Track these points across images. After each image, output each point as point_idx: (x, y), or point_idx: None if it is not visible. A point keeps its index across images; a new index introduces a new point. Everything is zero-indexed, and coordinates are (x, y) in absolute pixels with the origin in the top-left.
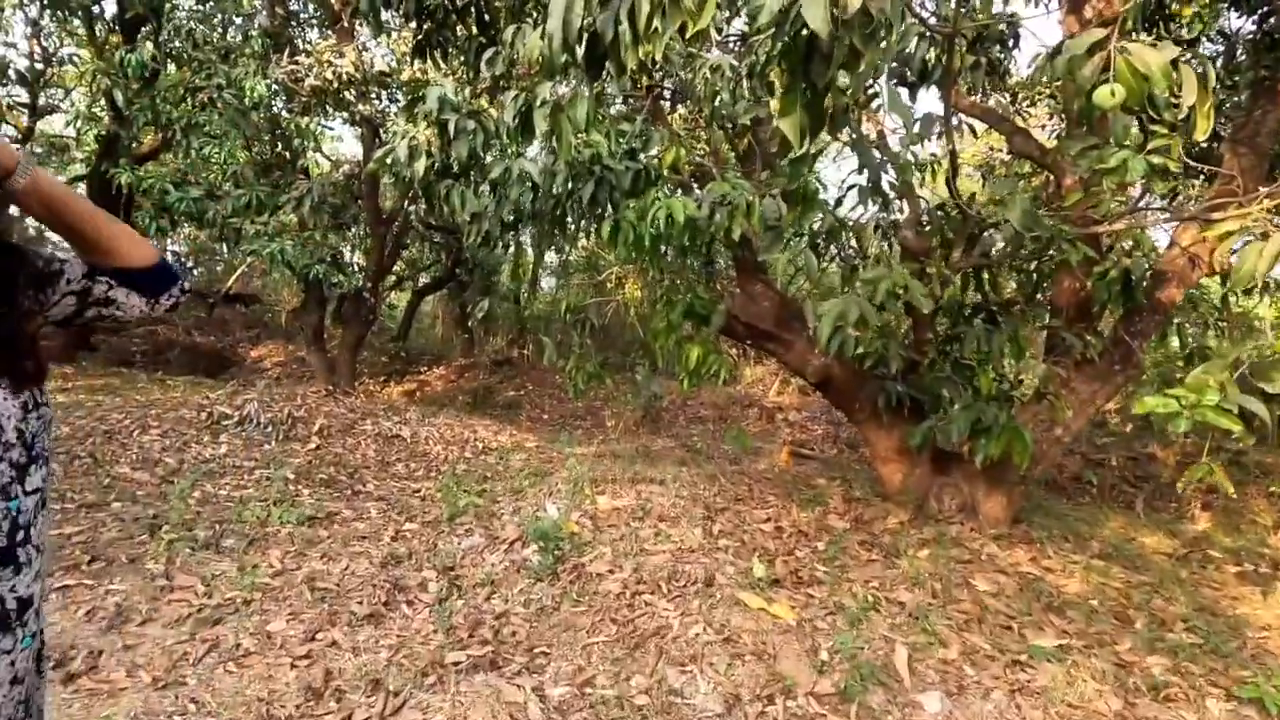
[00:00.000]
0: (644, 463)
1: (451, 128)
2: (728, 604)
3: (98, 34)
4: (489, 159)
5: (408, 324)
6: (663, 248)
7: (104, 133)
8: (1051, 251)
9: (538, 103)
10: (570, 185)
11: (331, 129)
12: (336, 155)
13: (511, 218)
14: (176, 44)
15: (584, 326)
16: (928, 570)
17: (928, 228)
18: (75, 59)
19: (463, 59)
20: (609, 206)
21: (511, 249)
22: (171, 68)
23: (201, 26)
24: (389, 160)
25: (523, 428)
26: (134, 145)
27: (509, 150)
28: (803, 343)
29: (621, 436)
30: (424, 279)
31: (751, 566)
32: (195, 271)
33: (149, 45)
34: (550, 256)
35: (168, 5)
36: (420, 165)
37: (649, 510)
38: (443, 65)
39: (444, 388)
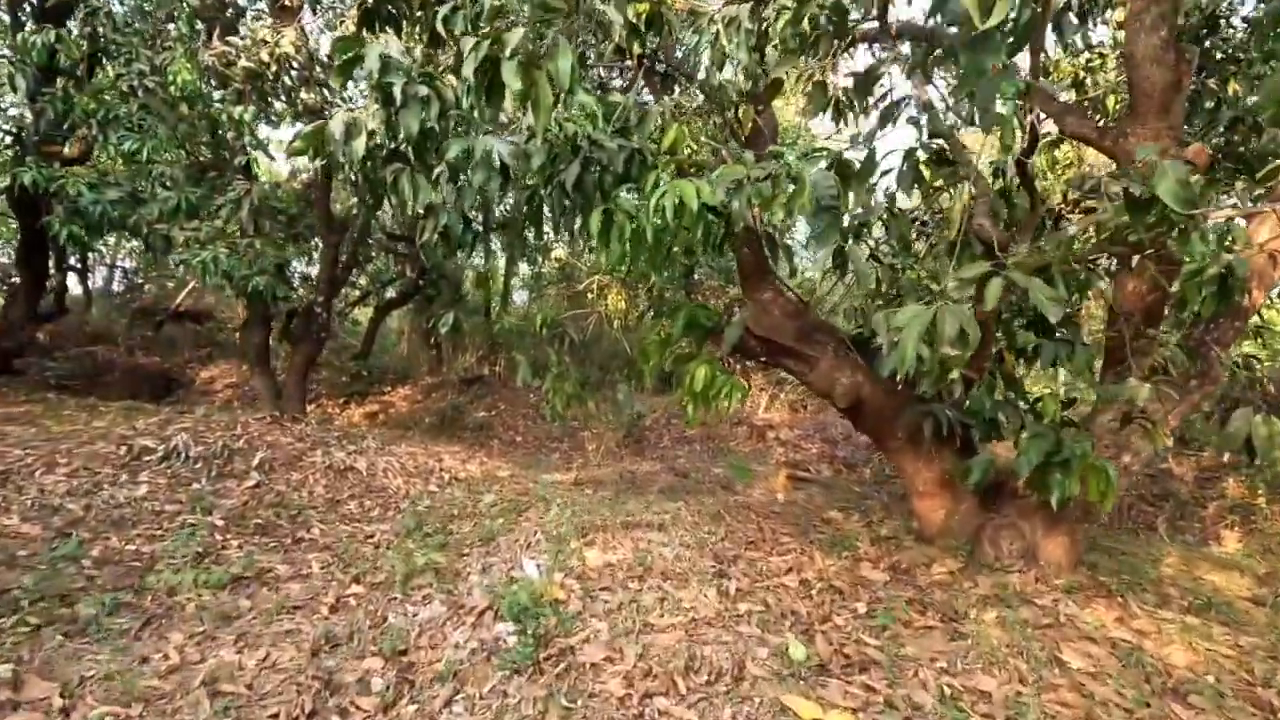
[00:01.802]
0: (634, 496)
1: (398, 94)
2: (770, 712)
3: (25, 26)
4: (447, 138)
5: (370, 341)
6: (666, 245)
7: (9, 128)
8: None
9: (506, 53)
10: (550, 168)
11: (273, 121)
12: (293, 164)
13: (476, 212)
14: (102, 31)
15: (562, 342)
16: (1003, 641)
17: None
18: None
19: (418, 28)
20: (598, 194)
21: (480, 254)
22: (110, 68)
23: (122, 8)
24: (323, 139)
25: (494, 454)
26: (50, 142)
27: (472, 126)
28: (829, 359)
29: (602, 460)
30: (388, 293)
31: (786, 644)
32: (145, 288)
33: (55, 29)
34: (524, 267)
35: None
36: (359, 144)
37: (649, 565)
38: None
39: (409, 409)
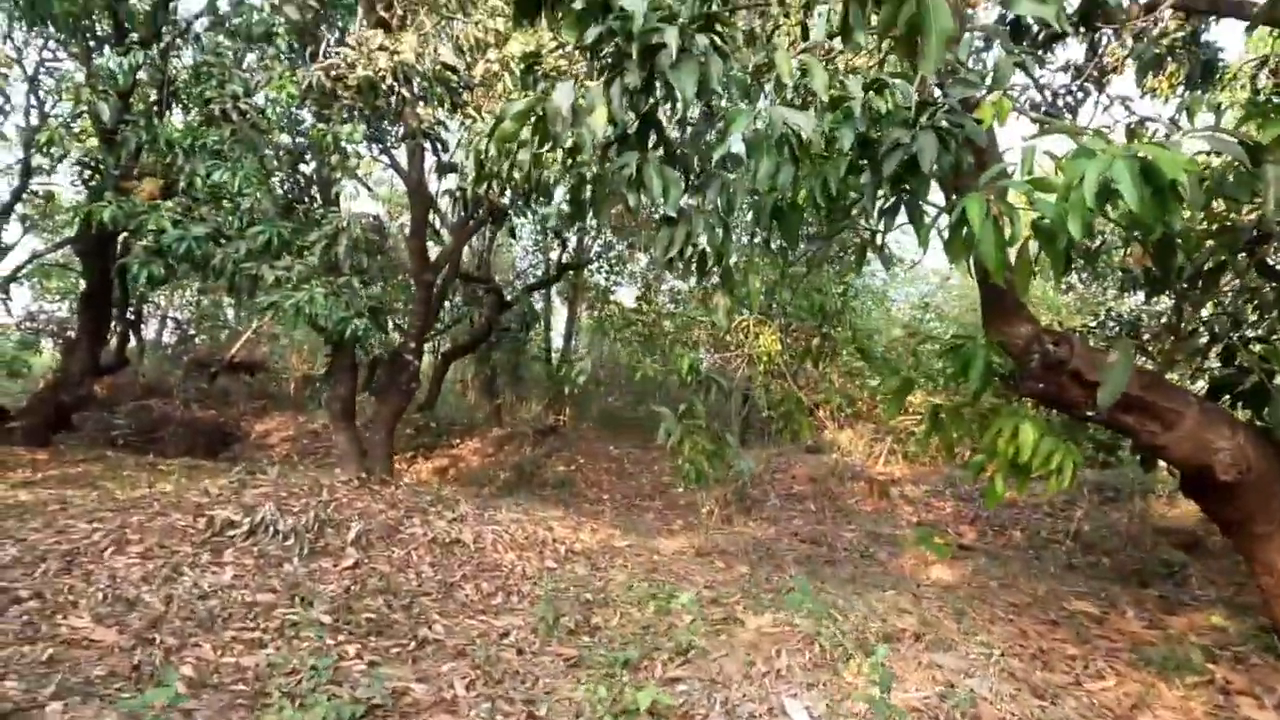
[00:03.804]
0: (774, 570)
1: (672, 46)
2: None
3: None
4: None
5: (436, 391)
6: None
7: (88, 160)
8: None
9: None
10: (873, 146)
11: (382, 145)
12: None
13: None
14: (193, 55)
15: (708, 392)
16: None
17: None
18: (52, 70)
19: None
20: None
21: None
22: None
23: (211, 33)
24: (536, 114)
25: (595, 516)
26: (128, 177)
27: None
28: (1195, 415)
29: (713, 523)
30: (444, 341)
31: None
32: (198, 339)
33: (143, 50)
34: (584, 312)
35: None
36: (599, 120)
37: (970, 711)
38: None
39: (480, 463)
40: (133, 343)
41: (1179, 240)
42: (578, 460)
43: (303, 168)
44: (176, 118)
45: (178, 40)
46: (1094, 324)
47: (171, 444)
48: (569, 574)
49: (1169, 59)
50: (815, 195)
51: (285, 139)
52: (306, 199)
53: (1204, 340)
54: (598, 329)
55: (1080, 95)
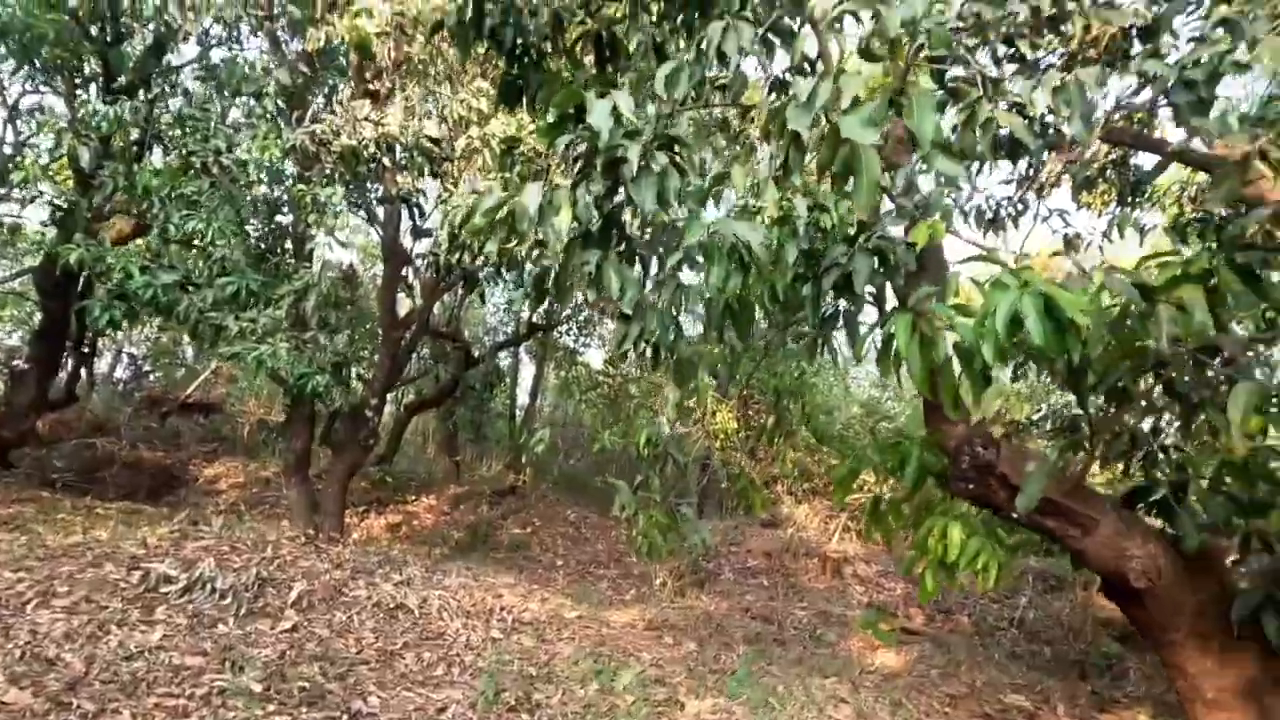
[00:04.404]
0: (724, 649)
1: (633, 162)
2: None
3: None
4: (674, 216)
5: (395, 444)
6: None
7: (60, 201)
8: None
9: (847, 102)
10: (805, 262)
11: (360, 205)
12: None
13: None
14: (171, 108)
15: (664, 465)
16: None
17: None
18: (37, 111)
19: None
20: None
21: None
22: (158, 153)
23: (200, 87)
24: (503, 212)
25: (547, 584)
26: (98, 217)
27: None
28: (1112, 523)
29: (667, 596)
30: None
31: None
32: (152, 376)
33: (130, 101)
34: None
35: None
36: (563, 220)
37: None
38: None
39: (435, 521)
40: (84, 377)
41: (1088, 363)
42: (534, 523)
43: (279, 218)
44: (156, 157)
45: (166, 89)
46: (1038, 416)
47: (113, 486)
48: (514, 645)
49: (1101, 179)
50: (764, 300)
51: (263, 190)
52: (279, 250)
53: (1126, 446)
54: (564, 389)
55: (1020, 206)
